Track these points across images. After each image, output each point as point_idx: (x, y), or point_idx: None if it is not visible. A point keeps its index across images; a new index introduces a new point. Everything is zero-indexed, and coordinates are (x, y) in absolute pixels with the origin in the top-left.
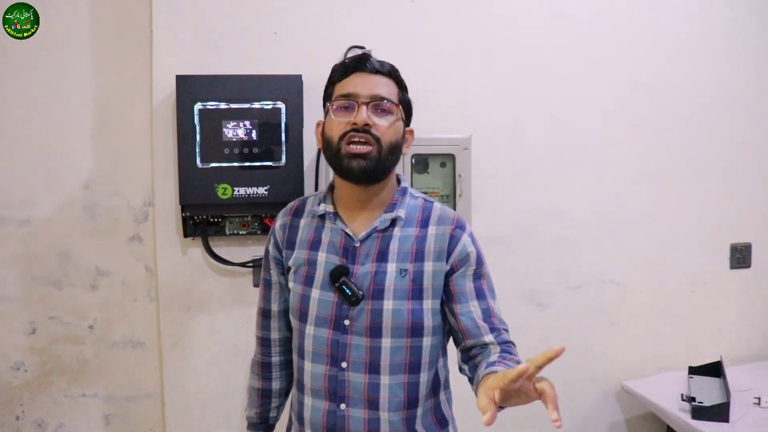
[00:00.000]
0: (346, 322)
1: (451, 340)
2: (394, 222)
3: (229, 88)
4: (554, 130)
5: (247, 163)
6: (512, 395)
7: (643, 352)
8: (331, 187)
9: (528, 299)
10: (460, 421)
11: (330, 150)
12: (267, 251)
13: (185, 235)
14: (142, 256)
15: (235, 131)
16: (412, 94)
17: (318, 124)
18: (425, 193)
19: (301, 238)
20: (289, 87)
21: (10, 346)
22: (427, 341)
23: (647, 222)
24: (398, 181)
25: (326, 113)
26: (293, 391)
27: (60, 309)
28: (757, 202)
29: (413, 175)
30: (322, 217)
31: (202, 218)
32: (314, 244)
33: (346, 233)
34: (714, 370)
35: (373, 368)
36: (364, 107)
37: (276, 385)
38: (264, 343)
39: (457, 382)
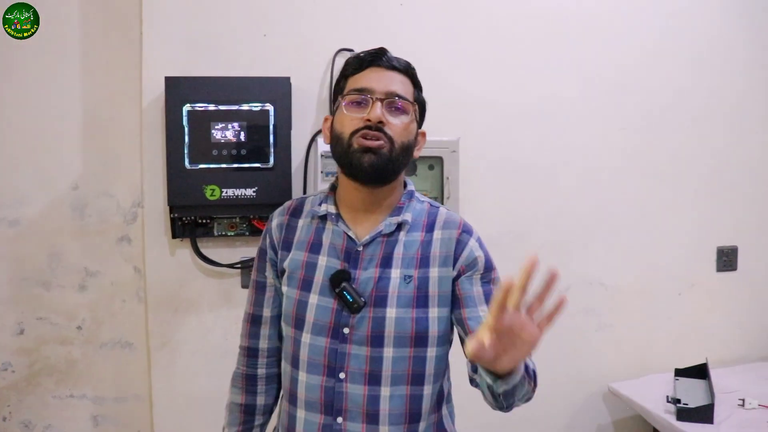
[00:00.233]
0: (346, 331)
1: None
2: (399, 226)
3: (218, 90)
4: (543, 133)
5: (235, 165)
6: (506, 344)
7: (630, 354)
8: (333, 188)
9: None
10: None
11: (340, 146)
12: (261, 251)
13: (173, 236)
14: (131, 256)
15: (223, 133)
16: None
17: (326, 119)
18: None
19: (299, 239)
20: (278, 89)
21: None
22: (431, 352)
23: (635, 225)
24: (404, 185)
25: (336, 108)
26: (283, 405)
27: (48, 310)
28: (744, 205)
29: None
30: (323, 218)
31: (191, 219)
32: (314, 247)
33: (348, 236)
34: (700, 372)
35: (374, 379)
36: (378, 103)
37: (261, 400)
38: (251, 353)
39: (460, 395)
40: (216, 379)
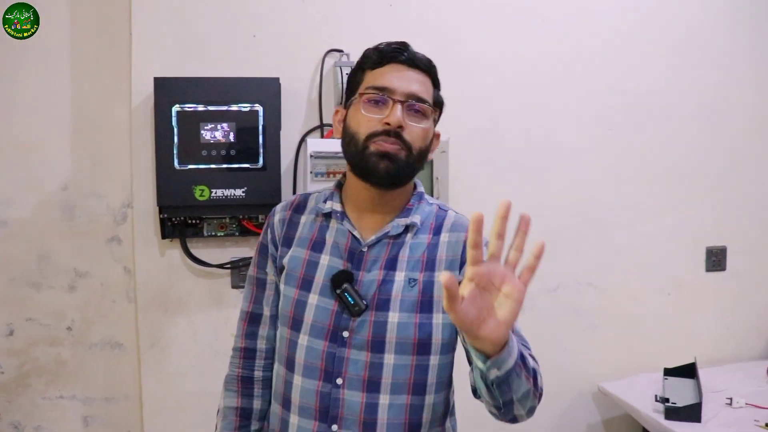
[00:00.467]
0: (345, 334)
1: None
2: (406, 228)
3: (207, 91)
4: (532, 134)
5: (224, 165)
6: (489, 302)
7: (620, 354)
8: (339, 185)
9: None
10: None
11: (353, 146)
12: (262, 246)
13: (163, 237)
14: (121, 257)
15: (212, 133)
16: None
17: (337, 111)
18: None
19: (301, 236)
20: (267, 90)
21: None
22: (435, 360)
23: (624, 225)
24: (414, 186)
25: (351, 102)
26: (275, 408)
27: (38, 310)
28: (733, 206)
29: None
30: (328, 215)
31: (180, 220)
32: (316, 245)
33: (353, 236)
34: (689, 371)
35: (372, 386)
36: (398, 106)
37: (257, 404)
38: (248, 354)
39: (461, 407)
40: (206, 379)
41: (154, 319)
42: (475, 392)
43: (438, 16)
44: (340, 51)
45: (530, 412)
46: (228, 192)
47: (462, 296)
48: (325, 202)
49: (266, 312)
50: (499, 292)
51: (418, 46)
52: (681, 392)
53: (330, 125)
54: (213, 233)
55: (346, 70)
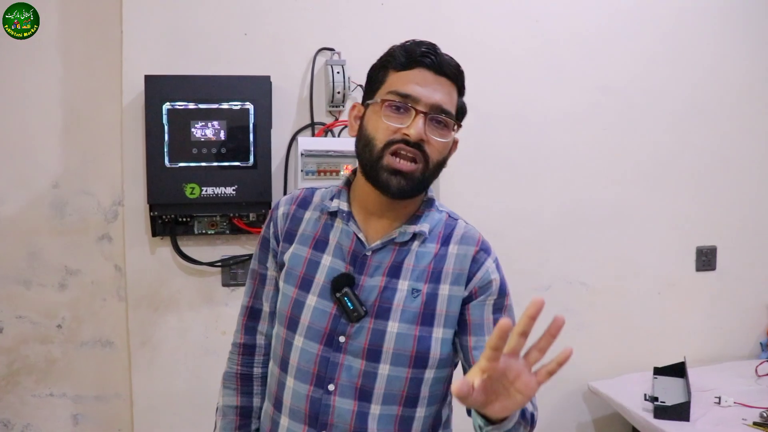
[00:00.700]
0: (341, 339)
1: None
2: (413, 236)
3: (198, 89)
4: (522, 133)
5: (215, 163)
6: (498, 389)
7: (610, 353)
8: (348, 182)
9: None
10: None
11: (368, 152)
12: (264, 240)
13: (153, 235)
14: (112, 255)
15: (203, 131)
16: None
17: (354, 106)
18: None
19: (304, 233)
20: (258, 88)
21: None
22: (430, 373)
23: (615, 224)
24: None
25: (371, 103)
26: (267, 407)
27: (28, 308)
28: (723, 205)
29: None
30: (333, 214)
31: (171, 218)
32: (318, 244)
33: (357, 238)
34: (678, 370)
35: (364, 395)
36: (421, 118)
37: (257, 402)
38: (247, 350)
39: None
40: (196, 377)
41: (145, 317)
42: (469, 412)
43: (429, 15)
44: (331, 50)
45: None
46: (218, 190)
47: (472, 386)
48: (331, 199)
49: (265, 308)
50: (510, 385)
51: None
52: (670, 391)
53: (321, 123)
54: (204, 231)
55: (337, 69)
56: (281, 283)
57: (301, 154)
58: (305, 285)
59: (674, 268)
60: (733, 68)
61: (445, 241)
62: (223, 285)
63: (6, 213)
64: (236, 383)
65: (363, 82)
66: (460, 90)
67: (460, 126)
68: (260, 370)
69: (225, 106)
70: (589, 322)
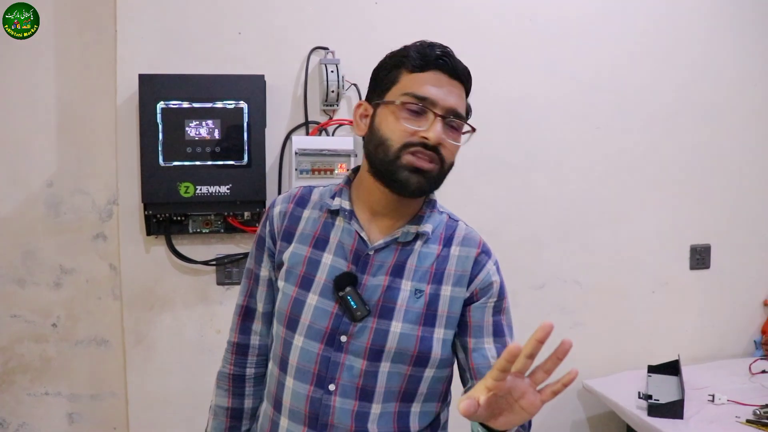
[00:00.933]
0: (343, 339)
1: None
2: (416, 236)
3: (192, 88)
4: (517, 132)
5: (209, 162)
6: (502, 405)
7: (605, 352)
8: (348, 181)
9: None
10: None
11: (383, 152)
12: (260, 239)
13: (148, 234)
14: (107, 254)
15: (197, 130)
16: None
17: (360, 105)
18: None
19: (303, 231)
20: (252, 87)
21: None
22: (429, 372)
23: (609, 223)
24: None
25: (383, 102)
26: (266, 408)
27: (23, 307)
28: (717, 204)
29: None
30: (334, 212)
31: (165, 216)
32: (319, 242)
33: (360, 237)
34: (672, 368)
35: (365, 395)
36: (439, 121)
37: (248, 403)
38: (240, 350)
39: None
40: (191, 375)
41: (140, 315)
42: None
43: (423, 14)
44: (325, 48)
45: None
46: (213, 189)
47: (478, 402)
48: (333, 198)
49: (259, 308)
50: (515, 402)
51: (403, 44)
52: (664, 389)
53: (315, 122)
54: (198, 230)
55: (331, 68)
56: (281, 282)
57: (296, 153)
58: (306, 284)
59: (668, 266)
60: (726, 66)
61: (447, 242)
62: (218, 284)
63: (1, 212)
64: (228, 384)
65: (357, 80)
66: (468, 93)
67: (473, 129)
68: (253, 371)
69: (219, 105)
70: (584, 320)
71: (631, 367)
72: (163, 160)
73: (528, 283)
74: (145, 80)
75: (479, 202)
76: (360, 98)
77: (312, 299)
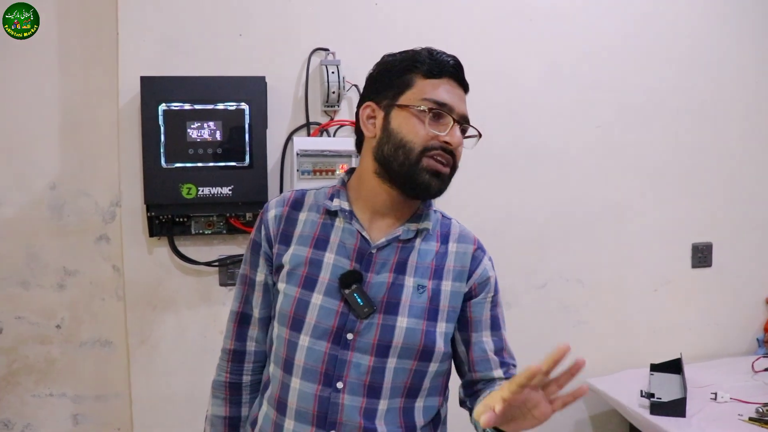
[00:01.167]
0: (349, 336)
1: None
2: (415, 233)
3: (194, 89)
4: (518, 131)
5: (211, 164)
6: (515, 414)
7: (607, 350)
8: (343, 182)
9: None
10: None
11: (403, 155)
12: (255, 244)
13: (151, 235)
14: (110, 255)
15: (199, 132)
16: None
17: (367, 106)
18: None
19: (301, 233)
20: (253, 88)
21: None
22: (433, 367)
23: (611, 222)
24: None
25: (399, 105)
26: (267, 411)
27: (27, 309)
28: (718, 202)
29: None
30: (333, 213)
31: (168, 218)
32: (319, 243)
33: (362, 236)
34: (675, 366)
35: (373, 392)
36: (458, 127)
37: (245, 411)
38: (236, 357)
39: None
40: (194, 376)
41: (143, 317)
42: (462, 403)
43: (424, 15)
44: (326, 50)
45: None
46: (215, 190)
47: (494, 411)
48: (331, 199)
49: (255, 314)
50: (528, 411)
51: (403, 45)
52: (666, 387)
53: (316, 123)
54: (200, 231)
55: (332, 69)
56: (281, 285)
57: (297, 154)
58: (309, 284)
59: (670, 265)
60: (728, 64)
61: (444, 239)
62: (221, 284)
63: (4, 214)
64: (225, 392)
65: (358, 81)
66: None
67: (480, 135)
68: (249, 378)
69: (221, 106)
70: (586, 319)
71: (633, 365)
72: (165, 162)
73: (530, 282)
74: (146, 82)
75: (481, 202)
76: None
77: (317, 299)
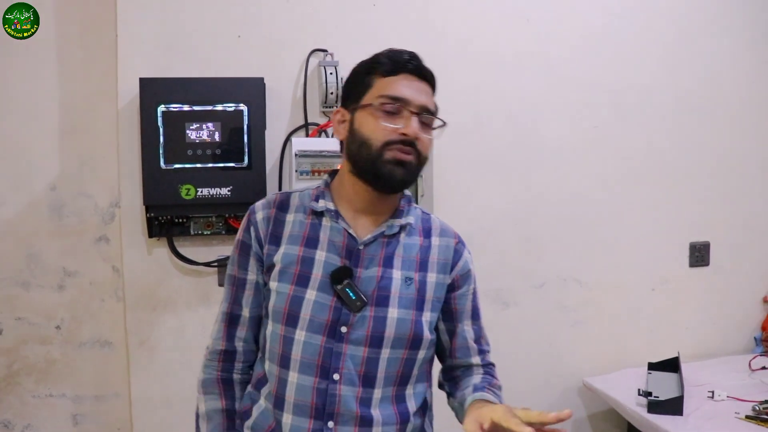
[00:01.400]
0: (344, 329)
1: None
2: (400, 228)
3: (193, 91)
4: (516, 131)
5: (210, 165)
6: (500, 430)
7: (605, 350)
8: (327, 184)
9: (492, 298)
10: None
11: (365, 152)
12: (243, 245)
13: (150, 236)
14: (109, 256)
15: (198, 133)
16: None
17: (338, 112)
18: None
19: (291, 233)
20: (252, 90)
21: None
22: (421, 354)
23: (609, 222)
24: None
25: (360, 106)
26: (265, 406)
27: (27, 310)
28: (716, 201)
29: None
30: (319, 214)
31: (167, 219)
32: (310, 242)
33: (349, 234)
34: (672, 365)
35: (368, 381)
36: (415, 118)
37: (239, 406)
38: (227, 357)
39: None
40: (193, 376)
41: (143, 317)
42: (441, 386)
43: (421, 16)
44: (324, 51)
45: None
46: (214, 191)
47: (482, 428)
48: (317, 200)
49: (245, 313)
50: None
51: (401, 46)
52: (664, 386)
53: (315, 124)
54: (200, 232)
55: (330, 70)
56: (273, 283)
57: (296, 155)
58: (302, 281)
59: (668, 264)
60: (725, 65)
61: (427, 233)
62: (220, 285)
63: (4, 215)
64: (219, 388)
65: None
66: (434, 92)
67: (444, 123)
68: (239, 376)
69: (219, 107)
70: (584, 318)
71: (631, 364)
72: (165, 163)
73: (528, 281)
74: (146, 84)
75: (479, 202)
76: None
77: (311, 294)
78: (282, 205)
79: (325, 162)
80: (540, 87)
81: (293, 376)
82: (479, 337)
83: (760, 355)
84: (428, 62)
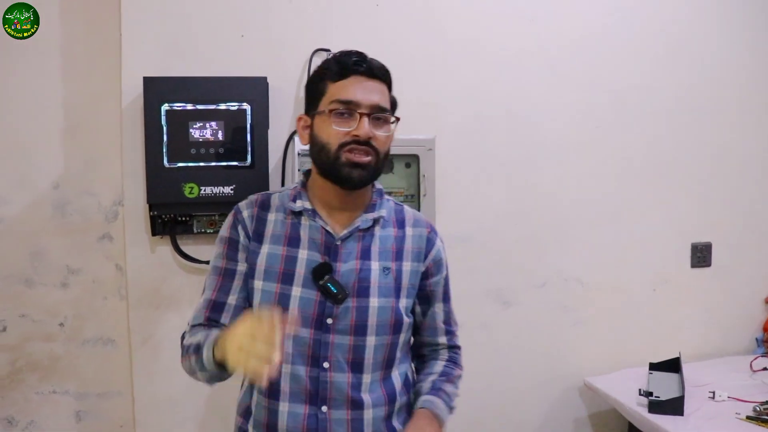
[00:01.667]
0: (329, 321)
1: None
2: (374, 222)
3: (196, 90)
4: (517, 131)
5: (213, 163)
6: None
7: (606, 349)
8: (303, 184)
9: (493, 297)
10: None
11: (325, 155)
12: (231, 240)
13: (153, 234)
14: (113, 254)
15: (201, 132)
16: None
17: (300, 119)
18: (390, 193)
19: (273, 233)
20: (255, 89)
21: None
22: (403, 337)
23: (610, 221)
24: (372, 183)
25: (316, 113)
26: (260, 400)
27: (31, 307)
28: (717, 202)
29: None
30: (298, 213)
31: (170, 217)
32: (292, 241)
33: (326, 231)
34: (673, 365)
35: (356, 367)
36: (365, 119)
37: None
38: (211, 326)
39: None
40: None
41: (146, 315)
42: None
43: (424, 16)
44: (327, 50)
45: None
46: (217, 189)
47: None
48: (294, 201)
49: (230, 300)
50: None
51: (404, 46)
52: (665, 386)
53: None
54: (203, 230)
55: None
56: (257, 282)
57: (298, 154)
58: (287, 279)
59: (669, 264)
60: (728, 66)
61: (401, 224)
62: None
63: (8, 214)
64: (203, 328)
65: None
66: (389, 87)
67: (398, 119)
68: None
69: (222, 106)
70: (585, 318)
71: (632, 364)
72: (168, 162)
73: (529, 281)
74: (149, 83)
75: (480, 202)
76: None
77: (296, 291)
78: (263, 205)
79: None
80: (541, 87)
81: (287, 368)
82: (448, 318)
83: (762, 356)
84: (430, 63)
